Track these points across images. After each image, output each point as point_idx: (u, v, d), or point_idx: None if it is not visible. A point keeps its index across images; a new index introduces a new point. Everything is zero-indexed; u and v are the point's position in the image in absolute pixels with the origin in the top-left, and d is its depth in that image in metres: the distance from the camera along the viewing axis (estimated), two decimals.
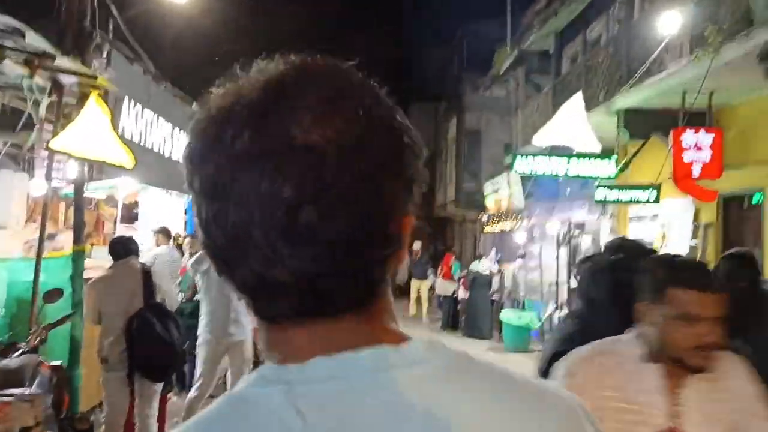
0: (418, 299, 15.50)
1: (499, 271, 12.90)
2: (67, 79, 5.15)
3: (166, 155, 7.25)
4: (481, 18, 26.28)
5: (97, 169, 5.44)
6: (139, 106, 6.14)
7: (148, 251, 7.93)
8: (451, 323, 13.71)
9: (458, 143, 25.73)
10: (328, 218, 0.52)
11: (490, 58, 24.37)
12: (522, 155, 10.55)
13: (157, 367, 4.34)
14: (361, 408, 0.53)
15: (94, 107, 5.33)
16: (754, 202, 8.62)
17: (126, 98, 5.83)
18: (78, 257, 5.29)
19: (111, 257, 4.82)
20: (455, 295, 13.77)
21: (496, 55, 15.53)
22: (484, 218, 16.44)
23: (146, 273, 4.54)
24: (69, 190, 9.63)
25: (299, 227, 0.52)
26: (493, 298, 12.91)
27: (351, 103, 0.55)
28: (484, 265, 12.86)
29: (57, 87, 5.23)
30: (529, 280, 12.73)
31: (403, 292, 21.60)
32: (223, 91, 0.57)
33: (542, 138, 10.31)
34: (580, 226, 11.38)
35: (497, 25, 23.49)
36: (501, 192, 14.22)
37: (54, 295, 4.51)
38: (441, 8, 32.87)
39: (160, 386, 4.53)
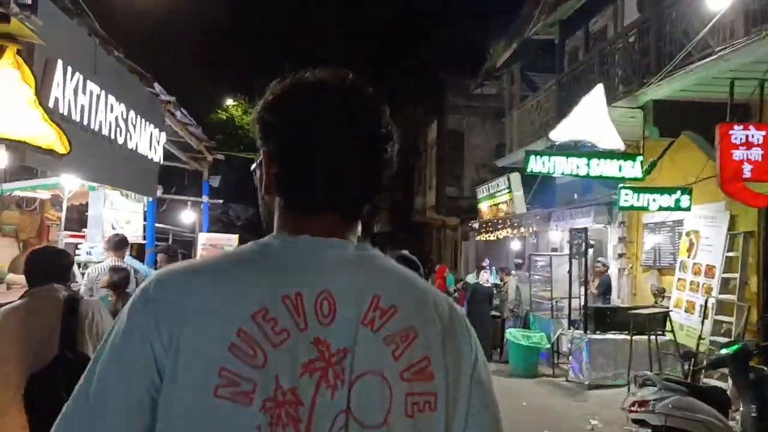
0: None
1: (503, 283, 11.54)
2: None
3: (120, 142, 5.65)
4: (463, 17, 25.17)
5: (17, 156, 3.85)
6: (79, 76, 4.56)
7: (97, 265, 6.32)
8: None
9: (439, 146, 24.42)
10: (361, 170, 0.93)
11: (474, 57, 23.23)
12: (537, 154, 9.20)
13: None
14: (317, 257, 0.89)
15: (9, 68, 3.77)
16: None
17: (60, 63, 4.24)
18: None
19: (26, 282, 3.24)
20: None
21: (492, 49, 14.24)
22: (476, 225, 15.10)
23: (70, 306, 2.97)
24: (5, 186, 7.99)
25: (341, 166, 0.91)
26: (494, 314, 11.56)
27: (388, 120, 1.01)
28: (482, 277, 11.49)
29: None
30: (535, 294, 11.41)
31: None
32: (323, 77, 0.97)
33: (561, 133, 9.01)
34: (582, 235, 10.10)
35: (481, 24, 22.48)
36: (498, 196, 12.91)
37: None
38: (416, 7, 31.59)
39: None
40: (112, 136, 5.44)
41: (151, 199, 7.57)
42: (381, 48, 34.17)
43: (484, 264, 14.52)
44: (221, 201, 11.38)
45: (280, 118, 0.92)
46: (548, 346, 10.23)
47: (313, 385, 0.81)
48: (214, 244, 10.72)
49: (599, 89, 8.88)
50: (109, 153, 5.58)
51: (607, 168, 8.96)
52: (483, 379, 0.99)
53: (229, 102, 21.58)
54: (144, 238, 8.04)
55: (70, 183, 6.96)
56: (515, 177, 12.10)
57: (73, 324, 2.92)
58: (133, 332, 0.83)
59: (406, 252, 3.76)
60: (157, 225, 10.62)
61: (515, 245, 14.72)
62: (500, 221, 13.12)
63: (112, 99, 5.32)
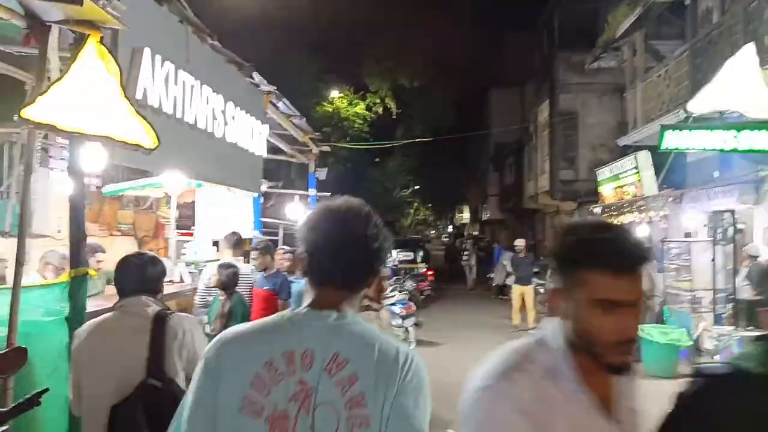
0: (523, 307, 13.18)
1: None
2: (48, 13, 3.29)
3: (218, 136, 5.34)
4: None
5: (110, 151, 3.55)
6: (170, 66, 4.22)
7: (208, 266, 6.09)
8: None
9: (551, 128, 23.04)
10: (359, 260, 1.42)
11: (587, 33, 21.66)
12: (673, 128, 8.07)
13: None
14: (308, 328, 1.37)
15: (93, 58, 3.45)
16: None
17: (148, 51, 3.91)
18: (77, 287, 3.43)
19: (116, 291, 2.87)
20: None
21: (610, 17, 12.93)
22: (598, 209, 13.88)
23: (159, 325, 2.55)
24: (113, 187, 8.08)
25: (340, 258, 1.39)
26: None
27: (380, 232, 1.45)
28: None
29: (36, 30, 3.39)
30: (670, 285, 10.20)
31: (499, 294, 19.56)
32: (330, 204, 1.47)
33: (700, 104, 7.84)
34: (722, 217, 8.78)
35: None
36: (624, 178, 11.71)
37: (10, 359, 2.64)
38: None
39: None
40: (210, 129, 5.12)
41: (256, 194, 7.33)
42: (487, 29, 33.04)
43: None
44: (329, 194, 11.10)
45: (307, 229, 1.46)
46: (690, 343, 9.06)
47: (296, 408, 1.31)
48: None
49: (749, 50, 7.62)
50: (208, 147, 5.28)
51: (760, 140, 7.69)
52: (404, 404, 1.34)
53: (335, 94, 21.47)
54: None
55: (171, 180, 6.83)
56: (644, 156, 10.87)
57: (161, 346, 2.50)
58: (200, 378, 1.38)
59: None
60: (265, 220, 10.49)
61: (642, 231, 13.36)
62: (626, 204, 11.92)
63: (207, 90, 4.99)
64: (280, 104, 7.58)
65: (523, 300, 13.18)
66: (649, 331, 9.16)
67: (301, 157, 10.28)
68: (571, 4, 22.69)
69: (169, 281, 6.29)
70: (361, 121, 21.46)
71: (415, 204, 48.44)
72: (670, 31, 14.04)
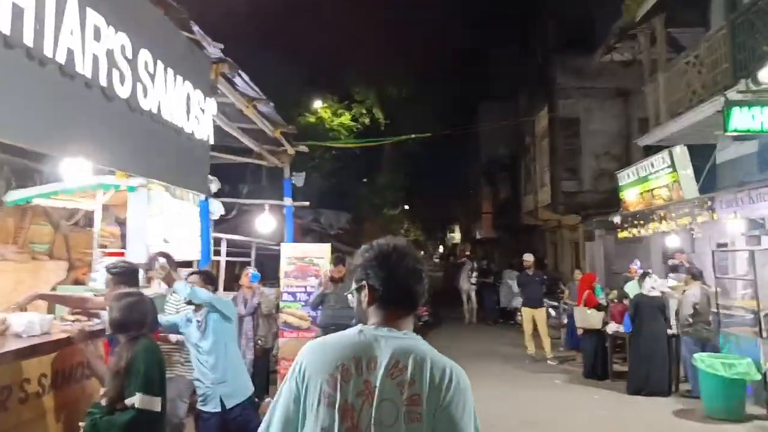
0: (535, 332, 11.29)
1: (683, 291, 8.56)
2: None
3: (121, 95, 3.45)
4: None
5: None
6: None
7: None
8: (601, 371, 9.41)
9: (551, 137, 21.34)
10: (415, 289, 1.80)
11: (583, 36, 20.19)
12: (741, 105, 6.31)
13: None
14: (374, 340, 1.70)
15: None
16: None
17: None
18: None
19: None
20: (603, 330, 9.52)
21: (628, 0, 11.26)
22: (616, 219, 12.10)
23: None
24: (19, 194, 6.16)
25: (404, 289, 1.79)
26: (671, 332, 8.61)
27: (424, 269, 1.83)
28: (646, 285, 8.58)
29: None
30: (726, 305, 8.36)
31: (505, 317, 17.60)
32: (384, 243, 1.82)
33: None
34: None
35: None
36: (654, 179, 9.93)
37: None
38: None
39: None
40: (104, 83, 3.25)
41: (202, 197, 5.42)
42: (480, 34, 31.61)
43: (633, 266, 11.51)
44: (307, 204, 9.18)
45: (375, 265, 1.78)
46: (758, 377, 7.21)
47: (361, 402, 1.62)
48: (302, 257, 8.53)
49: None
50: (114, 116, 3.41)
51: None
52: (452, 416, 1.63)
53: (318, 104, 19.65)
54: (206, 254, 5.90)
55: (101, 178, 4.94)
56: (681, 152, 9.11)
57: None
58: (291, 377, 1.75)
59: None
60: (231, 237, 8.56)
61: (672, 241, 11.58)
62: (655, 211, 10.14)
63: (97, 18, 3.13)
64: (237, 80, 5.70)
65: (534, 324, 11.31)
66: (709, 363, 7.29)
67: (273, 159, 8.42)
68: (563, 8, 21.29)
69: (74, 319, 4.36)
70: (347, 133, 19.65)
71: (405, 224, 46.60)
72: (688, 17, 12.44)
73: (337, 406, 1.61)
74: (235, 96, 5.95)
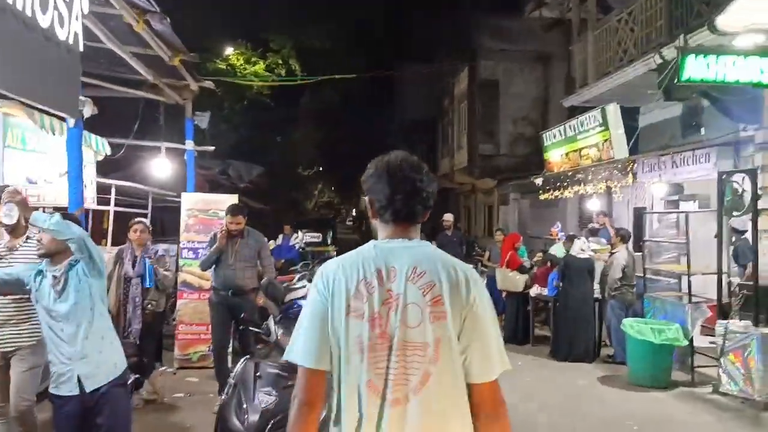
0: None
1: (611, 253, 8.20)
2: None
3: None
4: None
5: None
6: None
7: None
8: (522, 335, 9.00)
9: (470, 99, 20.87)
10: (419, 199, 1.80)
11: None
12: (696, 54, 5.81)
13: None
14: (390, 251, 1.76)
15: None
16: None
17: None
18: None
19: None
20: (525, 293, 9.08)
21: None
22: (539, 181, 11.72)
23: None
24: None
25: (407, 197, 1.79)
26: (597, 296, 8.28)
27: (429, 175, 1.84)
28: (575, 247, 8.17)
29: None
30: (652, 269, 8.08)
31: None
32: (385, 157, 1.83)
33: (736, 17, 5.64)
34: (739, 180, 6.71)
35: None
36: (583, 139, 9.51)
37: None
38: None
39: None
40: None
41: (72, 122, 4.23)
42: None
43: (555, 229, 11.19)
44: (212, 149, 8.01)
45: (378, 182, 1.81)
46: (685, 343, 6.96)
47: (387, 310, 1.69)
48: (204, 208, 7.43)
49: None
50: None
51: None
52: (477, 312, 1.72)
53: (230, 51, 18.05)
54: (84, 200, 4.76)
55: None
56: (614, 110, 8.68)
57: None
58: (314, 297, 1.78)
59: None
60: (123, 184, 7.33)
61: (593, 204, 11.34)
62: (581, 172, 9.76)
63: None
64: None
65: None
66: (638, 329, 6.96)
67: (173, 95, 7.22)
68: None
69: None
70: (261, 83, 18.24)
71: (319, 186, 45.46)
72: None
73: (366, 316, 1.70)
74: (120, 3, 4.76)
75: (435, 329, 1.67)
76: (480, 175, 20.57)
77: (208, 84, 7.42)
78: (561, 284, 8.10)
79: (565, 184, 10.74)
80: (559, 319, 8.17)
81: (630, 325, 7.05)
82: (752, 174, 6.36)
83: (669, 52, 8.45)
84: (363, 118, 32.14)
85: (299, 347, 1.72)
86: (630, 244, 8.31)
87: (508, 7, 19.51)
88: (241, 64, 17.75)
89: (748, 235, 7.73)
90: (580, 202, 14.27)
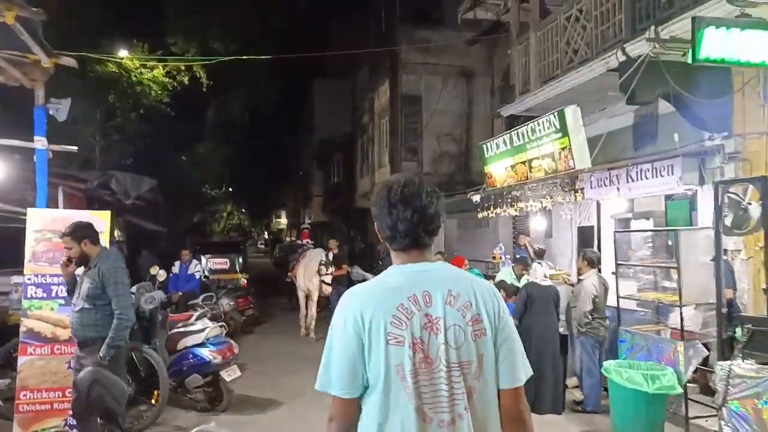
0: None
1: (578, 280, 6.83)
2: None
3: None
4: None
5: None
6: None
7: None
8: None
9: (393, 114, 19.53)
10: (424, 223, 1.78)
11: (432, 5, 18.67)
12: (718, 26, 4.54)
13: None
14: (418, 276, 1.77)
15: None
16: None
17: None
18: None
19: None
20: None
21: None
22: (476, 198, 10.35)
23: None
24: None
25: (416, 223, 1.77)
26: (562, 332, 6.88)
27: (432, 195, 1.81)
28: (536, 273, 6.75)
29: None
30: (630, 296, 6.76)
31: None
32: (401, 177, 1.83)
33: None
34: (728, 190, 5.56)
35: None
36: (535, 148, 8.19)
37: None
38: None
39: None
40: None
41: None
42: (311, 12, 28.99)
43: (498, 251, 9.83)
44: (74, 149, 5.87)
45: (390, 209, 1.80)
46: (681, 391, 5.64)
47: (428, 334, 1.71)
48: (60, 230, 5.36)
49: None
50: None
51: None
52: (507, 322, 1.82)
53: (124, 53, 15.67)
54: None
55: None
56: (574, 113, 7.40)
57: None
58: (343, 317, 1.76)
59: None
60: None
61: (540, 223, 10.09)
62: (535, 186, 8.45)
63: None
64: None
65: None
66: (626, 374, 5.56)
67: (17, 74, 5.18)
68: None
69: None
70: (161, 90, 16.01)
71: (229, 207, 42.75)
72: None
73: (407, 343, 1.68)
74: None
75: (478, 346, 1.75)
76: None
77: (68, 60, 5.42)
78: (519, 318, 6.63)
79: (508, 200, 9.40)
80: None
81: (614, 371, 5.64)
82: (762, 183, 5.16)
83: (633, 48, 7.35)
84: (276, 134, 30.16)
85: (334, 379, 1.73)
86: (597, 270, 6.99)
87: (433, 17, 18.40)
88: (136, 68, 15.46)
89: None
90: (514, 222, 13.11)
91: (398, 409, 1.67)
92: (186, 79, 17.04)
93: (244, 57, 12.35)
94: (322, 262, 10.47)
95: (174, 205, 16.20)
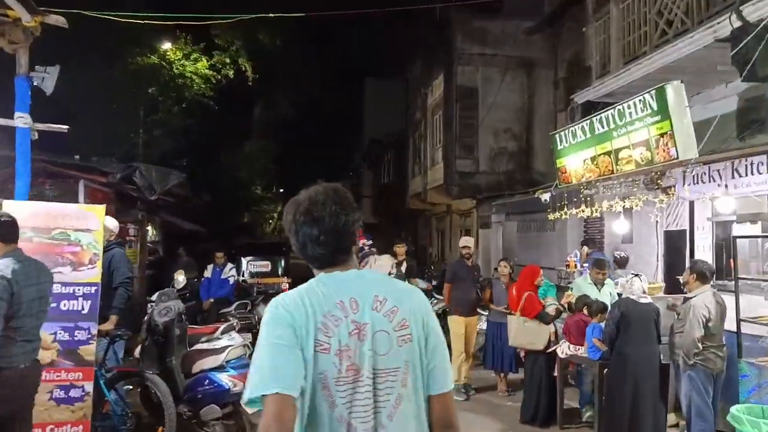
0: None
1: (684, 298, 5.43)
2: None
3: None
4: None
5: None
6: None
7: None
8: (546, 412, 6.11)
9: (447, 108, 18.22)
10: (333, 237, 1.71)
11: None
12: None
13: None
14: (345, 283, 1.70)
15: None
16: None
17: None
18: None
19: None
20: (549, 352, 6.22)
21: None
22: (545, 197, 8.98)
23: None
24: None
25: (327, 238, 1.70)
26: (664, 361, 5.46)
27: (339, 212, 1.71)
28: (634, 287, 5.38)
29: None
30: (749, 319, 5.30)
31: None
32: (306, 194, 1.75)
33: None
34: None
35: None
36: (620, 137, 6.78)
37: None
38: None
39: None
40: None
41: None
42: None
43: (572, 258, 8.43)
44: (65, 128, 4.92)
45: (304, 224, 1.74)
46: None
47: (355, 340, 1.63)
48: (45, 227, 4.34)
49: None
50: None
51: None
52: (434, 328, 1.76)
53: (167, 46, 14.97)
54: None
55: None
56: (675, 90, 5.96)
57: None
58: (276, 317, 1.68)
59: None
60: None
61: (619, 226, 8.62)
62: (600, 186, 7.03)
63: None
64: None
65: (465, 339, 7.66)
66: (765, 427, 4.15)
67: None
68: None
69: None
70: (204, 84, 15.21)
71: (279, 208, 42.23)
72: None
73: (333, 350, 1.63)
74: None
75: (404, 353, 1.70)
76: (458, 194, 17.86)
77: (56, 19, 4.39)
78: (611, 342, 5.26)
79: (584, 199, 8.00)
80: (613, 397, 5.30)
81: (750, 421, 4.23)
82: None
83: (753, 11, 5.90)
84: (325, 134, 29.29)
85: (270, 375, 1.57)
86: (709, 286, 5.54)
87: (491, 4, 17.04)
88: (179, 60, 14.70)
89: None
90: (586, 225, 11.60)
91: (322, 418, 1.62)
92: (231, 73, 16.20)
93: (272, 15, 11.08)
94: (391, 274, 8.72)
95: (217, 203, 15.39)
